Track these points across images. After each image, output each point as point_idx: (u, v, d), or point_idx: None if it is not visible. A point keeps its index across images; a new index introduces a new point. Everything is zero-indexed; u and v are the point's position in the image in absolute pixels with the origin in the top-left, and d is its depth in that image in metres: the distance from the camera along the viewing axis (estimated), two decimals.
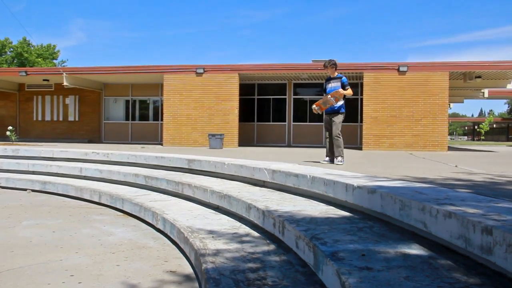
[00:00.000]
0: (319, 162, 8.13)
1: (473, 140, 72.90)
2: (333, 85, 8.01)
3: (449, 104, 23.29)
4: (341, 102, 7.91)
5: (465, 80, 17.87)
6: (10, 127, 16.53)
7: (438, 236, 2.60)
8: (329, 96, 7.82)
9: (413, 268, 2.29)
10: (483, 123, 56.03)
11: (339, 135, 7.85)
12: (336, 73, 8.11)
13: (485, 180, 5.14)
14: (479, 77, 17.50)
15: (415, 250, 2.64)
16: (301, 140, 19.91)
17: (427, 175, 5.69)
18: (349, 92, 7.84)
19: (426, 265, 2.34)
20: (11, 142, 15.17)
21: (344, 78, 7.97)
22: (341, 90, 7.81)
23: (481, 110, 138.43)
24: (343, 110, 7.99)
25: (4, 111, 23.14)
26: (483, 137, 54.05)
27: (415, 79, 16.54)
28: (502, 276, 2.14)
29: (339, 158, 7.82)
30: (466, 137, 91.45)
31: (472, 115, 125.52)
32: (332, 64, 8.03)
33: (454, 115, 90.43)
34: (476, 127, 65.66)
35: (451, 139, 76.65)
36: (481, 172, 6.37)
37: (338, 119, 7.92)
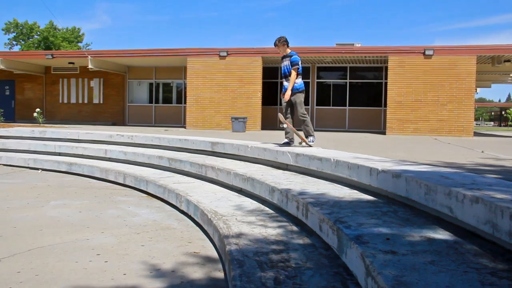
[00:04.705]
0: (277, 144, 7.33)
1: (500, 126, 71.40)
2: (285, 63, 7.54)
3: (476, 89, 22.81)
4: (298, 81, 7.43)
5: (493, 64, 17.44)
6: (37, 109, 16.83)
7: (464, 221, 2.57)
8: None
9: (438, 253, 2.27)
10: (511, 109, 54.70)
11: (304, 114, 7.33)
12: (289, 51, 7.60)
13: None
14: (508, 61, 17.06)
15: (440, 235, 2.61)
16: (325, 124, 19.77)
17: (452, 160, 5.61)
18: (292, 77, 7.32)
19: (452, 250, 2.32)
20: (38, 124, 15.47)
21: (294, 57, 7.43)
22: (287, 93, 7.33)
23: (509, 95, 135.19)
24: (301, 88, 7.47)
25: (31, 93, 23.54)
26: (510, 123, 52.84)
27: (441, 63, 16.21)
28: None
29: (310, 138, 7.29)
30: (492, 123, 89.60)
31: (500, 100, 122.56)
32: (283, 42, 7.57)
33: (481, 100, 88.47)
34: (503, 112, 64.18)
35: (477, 124, 75.18)
36: (508, 158, 6.25)
37: (299, 98, 7.39)
